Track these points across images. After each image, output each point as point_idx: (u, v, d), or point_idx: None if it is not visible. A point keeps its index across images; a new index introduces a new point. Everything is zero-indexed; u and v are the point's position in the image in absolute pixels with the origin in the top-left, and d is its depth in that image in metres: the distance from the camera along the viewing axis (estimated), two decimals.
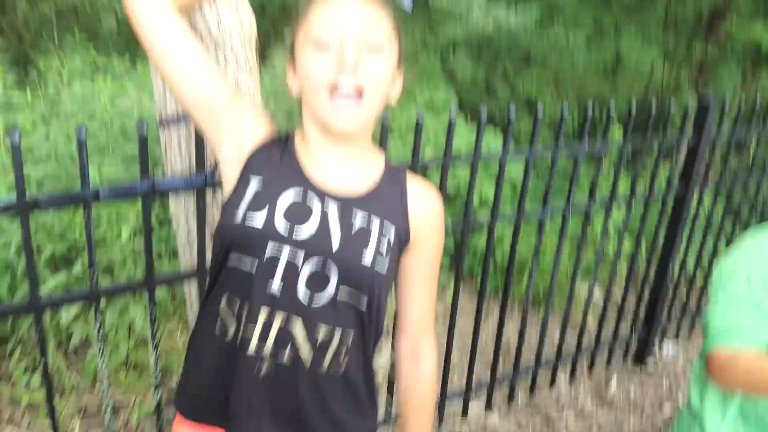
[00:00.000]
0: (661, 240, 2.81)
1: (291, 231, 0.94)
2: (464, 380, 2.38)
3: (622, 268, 3.21)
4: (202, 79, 1.02)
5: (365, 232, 0.99)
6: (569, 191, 2.31)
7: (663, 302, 2.92)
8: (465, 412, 2.42)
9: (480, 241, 3.29)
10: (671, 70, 6.05)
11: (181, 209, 1.78)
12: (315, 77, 0.93)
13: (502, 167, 2.10)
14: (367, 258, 0.97)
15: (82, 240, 2.27)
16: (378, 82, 0.95)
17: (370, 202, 1.02)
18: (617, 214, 3.22)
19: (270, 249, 0.94)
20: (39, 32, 5.16)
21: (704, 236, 3.00)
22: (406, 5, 1.10)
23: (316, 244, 0.95)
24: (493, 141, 3.54)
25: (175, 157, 1.73)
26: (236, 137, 1.04)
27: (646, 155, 2.51)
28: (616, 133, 3.66)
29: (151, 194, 1.49)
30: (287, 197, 0.97)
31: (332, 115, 0.94)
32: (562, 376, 2.76)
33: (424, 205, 1.09)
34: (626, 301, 2.79)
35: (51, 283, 2.18)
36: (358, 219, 1.00)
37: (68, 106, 2.86)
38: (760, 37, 4.40)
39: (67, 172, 2.47)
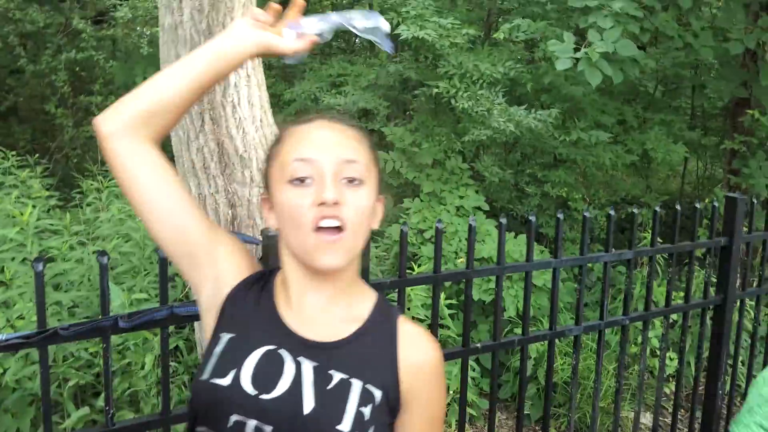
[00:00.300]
0: (705, 353, 2.64)
1: (257, 399, 0.86)
2: None
3: (669, 386, 3.01)
4: (181, 219, 0.96)
5: (343, 397, 0.88)
6: (601, 304, 2.21)
7: (717, 422, 2.68)
8: None
9: (517, 360, 3.14)
10: (703, 165, 6.01)
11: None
12: (295, 215, 0.89)
13: (528, 277, 2.03)
14: (345, 425, 0.86)
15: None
16: (360, 215, 0.91)
17: (352, 355, 0.92)
18: (657, 327, 3.07)
19: (234, 422, 0.86)
20: (84, 154, 5.52)
21: (752, 345, 2.81)
22: (388, 48, 1.05)
23: (285, 413, 0.86)
24: (522, 247, 3.49)
25: None
26: (212, 283, 0.98)
27: (677, 260, 2.41)
28: (647, 236, 3.58)
29: (169, 323, 1.47)
30: (256, 358, 0.90)
31: (315, 252, 0.89)
32: None
33: (419, 357, 0.96)
34: (677, 424, 2.56)
35: (74, 417, 2.14)
36: (336, 382, 0.89)
37: (104, 228, 2.97)
38: None
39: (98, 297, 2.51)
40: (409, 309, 2.81)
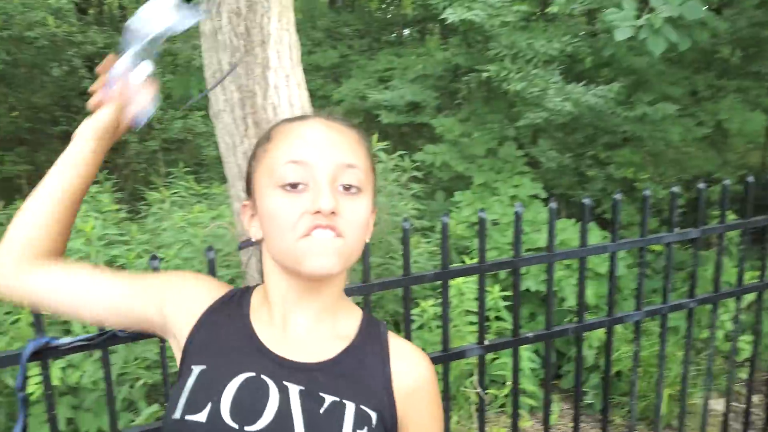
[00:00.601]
0: None
1: None
2: None
3: (743, 371, 2.80)
4: (122, 306, 0.90)
5: (337, 420, 0.80)
6: (664, 287, 2.08)
7: None
8: None
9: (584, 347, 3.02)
10: None
11: None
12: (284, 225, 0.80)
13: (582, 263, 1.93)
14: None
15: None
16: (358, 228, 0.82)
17: (342, 376, 0.84)
18: (725, 307, 2.86)
19: None
20: (148, 167, 5.82)
21: None
22: (199, 14, 0.95)
23: None
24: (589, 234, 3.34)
25: (253, 277, 1.80)
26: (175, 330, 0.90)
27: (753, 238, 2.23)
28: (715, 215, 3.34)
29: None
30: (235, 387, 0.80)
31: (306, 253, 0.79)
32: None
33: (412, 374, 0.89)
34: (751, 409, 2.38)
35: (145, 414, 2.26)
36: (328, 405, 0.81)
37: (167, 236, 3.11)
38: None
39: None
40: (462, 302, 2.76)
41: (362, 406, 0.82)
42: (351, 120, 0.92)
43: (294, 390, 0.82)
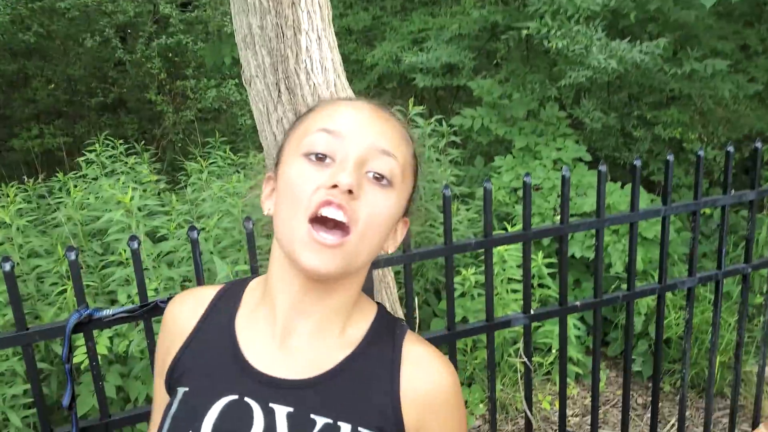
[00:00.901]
0: None
1: None
2: None
3: None
4: None
5: None
6: (719, 251, 1.98)
7: None
8: None
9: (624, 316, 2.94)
10: None
11: None
12: (295, 195, 0.71)
13: (633, 228, 1.85)
14: None
15: None
16: (376, 219, 0.72)
17: (339, 391, 0.75)
18: None
19: None
20: (186, 138, 5.85)
21: None
22: None
23: None
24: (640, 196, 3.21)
25: None
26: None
27: None
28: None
29: None
30: (216, 413, 0.73)
31: (303, 246, 0.69)
32: None
33: (426, 385, 0.77)
34: None
35: None
36: (319, 429, 0.72)
37: (207, 207, 3.12)
38: None
39: (207, 271, 2.65)
40: (504, 269, 2.70)
41: (360, 428, 0.73)
42: (404, 119, 0.86)
43: (281, 413, 0.73)
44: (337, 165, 0.71)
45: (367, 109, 0.77)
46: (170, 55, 6.17)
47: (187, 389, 0.77)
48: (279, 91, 2.12)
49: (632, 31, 4.14)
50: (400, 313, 1.99)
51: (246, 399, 0.74)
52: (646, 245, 3.00)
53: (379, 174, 0.72)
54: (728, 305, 2.92)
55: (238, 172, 3.78)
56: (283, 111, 2.15)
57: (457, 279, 2.73)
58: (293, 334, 0.78)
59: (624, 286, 2.84)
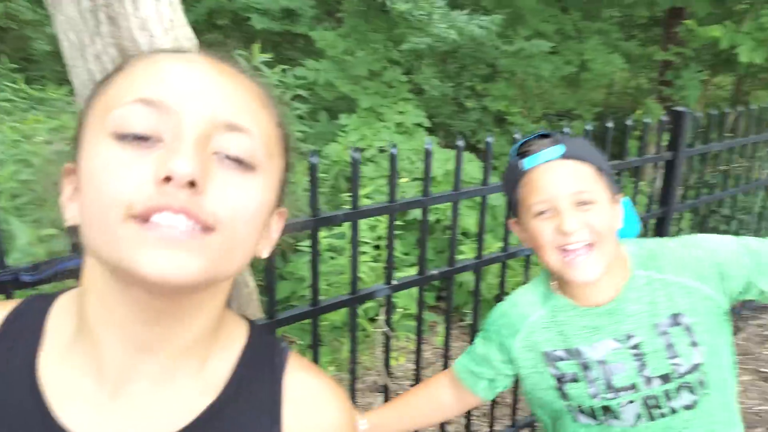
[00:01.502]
0: None
1: None
2: None
3: None
4: None
5: None
6: None
7: None
8: None
9: (467, 275, 3.11)
10: (634, 76, 6.05)
11: None
12: (108, 197, 0.46)
13: (483, 202, 1.94)
14: None
15: None
16: (242, 216, 0.50)
17: None
18: None
19: None
20: None
21: None
22: None
23: None
24: (467, 165, 3.37)
25: None
26: None
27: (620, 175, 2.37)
28: None
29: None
30: None
31: (142, 244, 0.45)
32: None
33: (321, 427, 0.60)
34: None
35: None
36: None
37: None
38: (718, 35, 4.38)
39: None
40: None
41: None
42: (259, 72, 0.62)
43: None
44: (166, 148, 0.47)
45: (205, 64, 0.52)
46: None
47: None
48: (97, 20, 1.75)
49: (468, 4, 4.30)
50: (252, 286, 1.83)
51: None
52: (491, 210, 3.18)
53: (234, 156, 0.50)
54: None
55: (36, 108, 3.17)
56: (102, 45, 1.78)
57: (306, 242, 2.62)
58: (131, 380, 0.54)
59: (463, 246, 3.01)
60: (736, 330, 3.30)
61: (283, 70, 3.07)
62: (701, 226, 2.98)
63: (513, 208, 1.10)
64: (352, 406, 0.65)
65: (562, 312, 1.10)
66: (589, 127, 2.10)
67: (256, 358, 0.60)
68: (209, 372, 0.57)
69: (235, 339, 0.61)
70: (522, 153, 1.05)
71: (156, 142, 0.48)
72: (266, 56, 2.86)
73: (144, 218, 0.45)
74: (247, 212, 0.51)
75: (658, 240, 1.14)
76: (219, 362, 0.58)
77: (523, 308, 1.14)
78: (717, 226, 3.18)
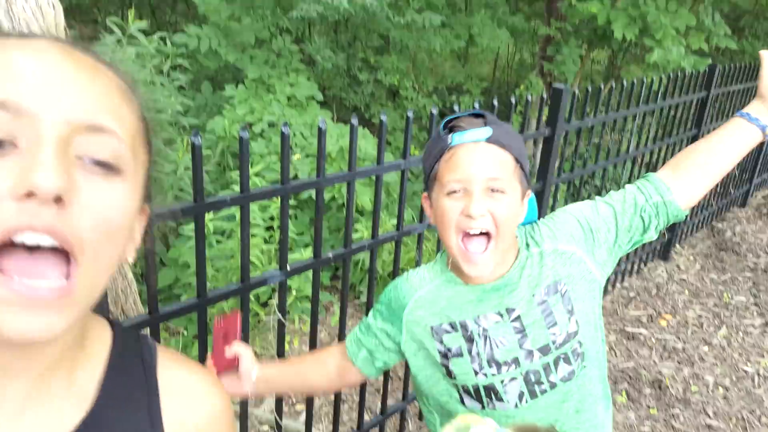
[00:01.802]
0: None
1: None
2: (355, 415, 2.21)
3: None
4: None
5: None
6: None
7: None
8: None
9: (362, 254, 3.10)
10: (518, 51, 6.28)
11: None
12: None
13: (378, 182, 1.93)
14: None
15: None
16: (109, 229, 0.48)
17: None
18: None
19: None
20: None
21: None
22: None
23: None
24: (361, 141, 3.33)
25: None
26: None
27: None
28: None
29: None
30: None
31: (2, 316, 0.43)
32: None
33: (196, 417, 0.61)
34: None
35: None
36: None
37: None
38: (595, 11, 4.63)
39: None
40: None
41: None
42: (116, 57, 0.56)
43: None
44: (23, 155, 0.43)
45: (60, 56, 0.47)
46: None
47: None
48: None
49: None
50: (130, 276, 1.71)
51: None
52: (385, 186, 3.18)
53: (98, 160, 0.47)
54: None
55: None
56: None
57: (190, 226, 2.48)
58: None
59: (359, 225, 3.00)
60: (604, 293, 3.60)
61: (162, 38, 2.83)
62: (575, 197, 3.18)
63: (427, 182, 1.09)
64: (226, 392, 0.67)
65: (451, 287, 1.12)
66: (477, 104, 2.14)
67: (124, 359, 0.60)
68: (79, 383, 0.56)
69: (101, 343, 0.59)
70: (450, 128, 1.04)
71: (10, 148, 0.43)
72: (142, 23, 2.62)
73: (3, 241, 0.42)
74: (114, 225, 0.48)
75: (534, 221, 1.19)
76: (87, 371, 0.57)
77: (415, 283, 1.16)
78: (590, 196, 3.42)
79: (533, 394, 1.08)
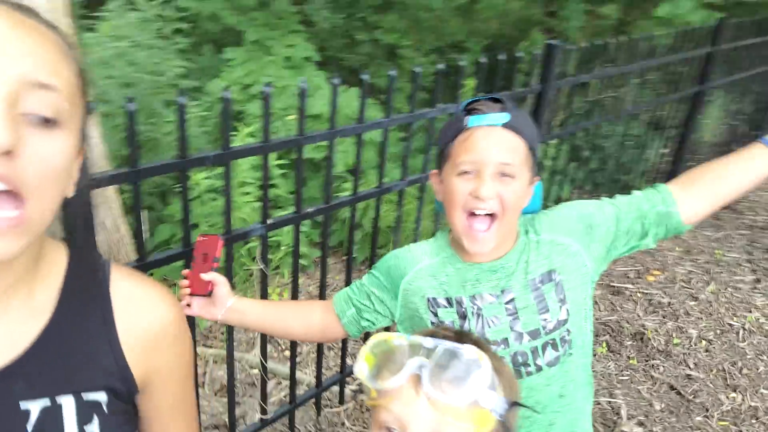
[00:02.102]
0: None
1: None
2: (340, 360, 2.35)
3: None
4: None
5: (55, 429, 0.63)
6: (426, 155, 2.30)
7: None
8: (342, 400, 2.41)
9: (345, 211, 3.21)
10: (525, 6, 6.18)
11: None
12: None
13: (359, 140, 2.01)
14: None
15: None
16: (51, 175, 0.55)
17: (47, 366, 0.63)
18: None
19: None
20: None
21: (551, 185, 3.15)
22: None
23: None
24: (353, 101, 3.39)
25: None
26: None
27: None
28: (471, 84, 3.67)
29: None
30: None
31: None
32: None
33: (147, 321, 0.69)
34: None
35: None
36: (37, 416, 0.62)
37: None
38: None
39: None
40: (234, 174, 2.67)
41: (84, 394, 0.64)
42: (50, 20, 0.60)
43: None
44: None
45: (2, 17, 0.52)
46: None
47: None
48: None
49: None
50: (123, 230, 1.84)
51: None
52: (364, 145, 3.25)
53: (41, 116, 0.53)
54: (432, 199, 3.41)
55: None
56: None
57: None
58: None
59: (345, 185, 3.10)
60: None
61: (165, 1, 2.91)
62: (570, 153, 3.21)
63: (440, 160, 1.13)
64: (178, 302, 0.75)
65: (450, 264, 1.17)
66: (483, 60, 2.19)
67: (79, 276, 0.67)
68: (38, 299, 0.64)
69: (57, 263, 0.67)
70: (470, 110, 1.08)
71: None
72: None
73: None
74: (56, 171, 0.56)
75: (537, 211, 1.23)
76: (45, 289, 0.65)
77: (416, 255, 1.20)
78: (589, 155, 3.44)
79: (518, 374, 1.12)
